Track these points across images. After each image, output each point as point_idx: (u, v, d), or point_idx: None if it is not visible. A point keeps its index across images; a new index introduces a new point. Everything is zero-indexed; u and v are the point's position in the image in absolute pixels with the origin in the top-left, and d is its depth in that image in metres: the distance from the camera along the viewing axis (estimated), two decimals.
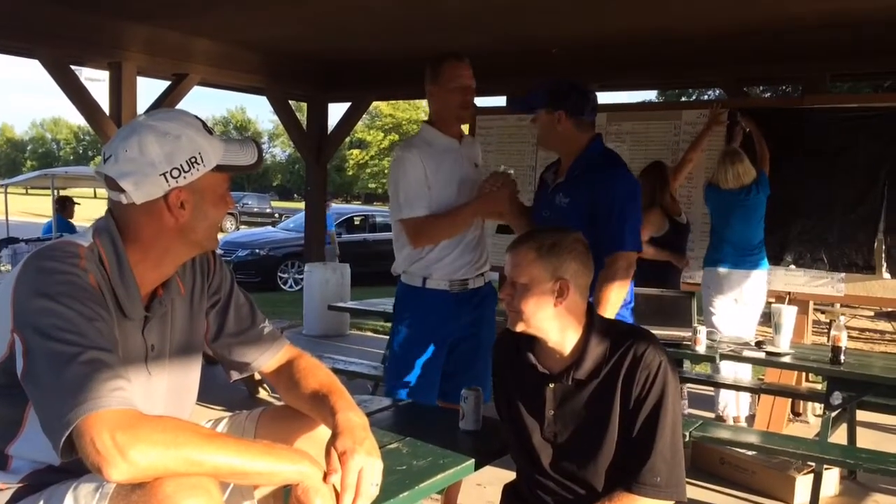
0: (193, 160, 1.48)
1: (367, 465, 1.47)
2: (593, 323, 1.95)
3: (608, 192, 2.71)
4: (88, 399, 1.25)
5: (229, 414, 1.85)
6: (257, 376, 1.95)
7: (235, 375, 1.81)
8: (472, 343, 3.11)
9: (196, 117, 1.56)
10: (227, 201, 1.59)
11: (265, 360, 1.78)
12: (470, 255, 3.05)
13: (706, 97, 16.79)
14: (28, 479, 1.48)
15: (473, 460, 2.07)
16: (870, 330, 9.68)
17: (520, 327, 1.93)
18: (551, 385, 1.96)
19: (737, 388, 4.80)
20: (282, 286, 12.61)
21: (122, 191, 1.46)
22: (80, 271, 1.41)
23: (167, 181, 1.46)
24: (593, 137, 2.85)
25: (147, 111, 1.62)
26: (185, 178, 1.47)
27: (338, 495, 1.45)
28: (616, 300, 2.66)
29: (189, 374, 1.70)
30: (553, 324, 1.91)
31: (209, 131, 1.54)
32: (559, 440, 1.96)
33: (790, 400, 5.11)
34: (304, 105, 8.47)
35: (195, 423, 1.39)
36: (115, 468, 1.22)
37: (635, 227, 2.75)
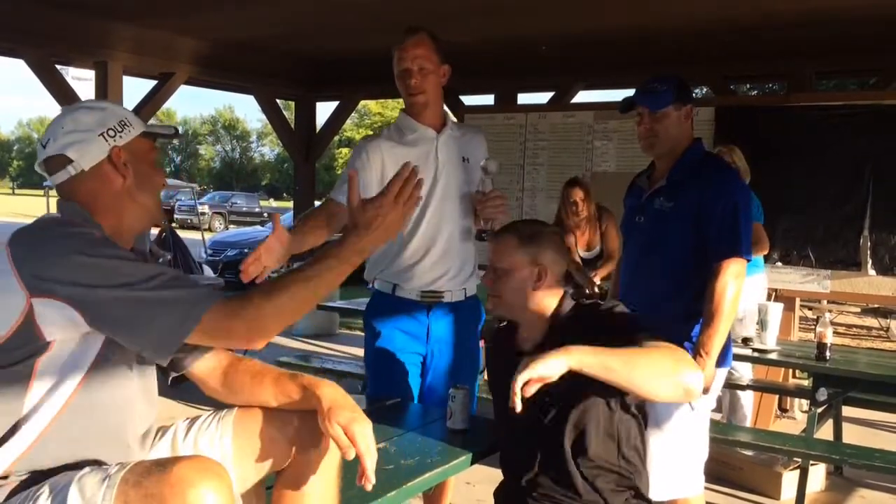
0: (123, 122, 1.62)
1: (368, 430, 1.59)
2: (562, 305, 2.07)
3: (720, 196, 2.54)
4: (188, 312, 1.44)
5: (209, 411, 1.82)
6: None
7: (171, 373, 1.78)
8: (444, 361, 2.76)
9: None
10: (161, 171, 1.73)
11: (194, 358, 1.74)
12: (446, 266, 2.70)
13: (693, 95, 16.85)
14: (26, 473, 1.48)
15: (469, 454, 2.10)
16: (857, 326, 9.74)
17: (499, 311, 2.11)
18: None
19: (729, 386, 4.81)
20: None
21: (69, 162, 1.57)
22: (83, 229, 1.51)
23: (106, 140, 1.59)
24: (696, 139, 2.71)
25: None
26: (120, 137, 1.60)
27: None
28: (731, 311, 2.50)
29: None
30: (530, 307, 2.06)
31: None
32: (527, 416, 2.00)
33: (777, 396, 5.15)
34: (293, 104, 8.46)
35: (271, 285, 1.52)
36: (259, 341, 1.48)
37: (748, 234, 2.58)
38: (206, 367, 1.76)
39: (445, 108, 2.82)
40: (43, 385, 1.47)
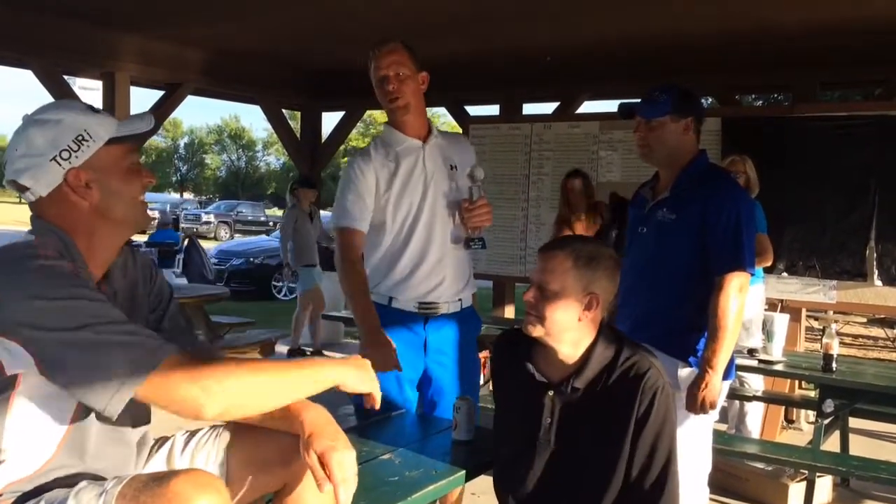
0: (80, 138, 1.48)
1: (346, 459, 1.50)
2: (601, 334, 1.94)
3: (723, 208, 2.53)
4: (145, 358, 1.33)
5: (207, 426, 1.81)
6: None
7: None
8: (444, 373, 2.73)
9: (80, 101, 1.58)
10: (140, 173, 1.57)
11: None
12: (441, 275, 2.68)
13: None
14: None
15: (464, 471, 2.07)
16: (863, 336, 9.70)
17: (537, 332, 1.89)
18: (550, 393, 1.95)
19: (734, 397, 4.79)
20: (276, 295, 12.58)
21: (26, 188, 1.48)
22: (58, 261, 1.40)
23: (59, 164, 1.46)
24: (700, 151, 2.68)
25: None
26: (76, 157, 1.47)
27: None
28: (736, 324, 2.49)
29: None
30: (571, 335, 1.90)
31: (95, 111, 1.54)
32: (554, 448, 1.95)
33: (783, 407, 5.12)
34: (298, 113, 8.48)
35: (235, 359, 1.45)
36: (207, 408, 1.34)
37: (751, 247, 2.58)
38: None
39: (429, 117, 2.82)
40: (28, 416, 1.41)
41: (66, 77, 5.96)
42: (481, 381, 5.26)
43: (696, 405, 2.49)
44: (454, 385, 2.71)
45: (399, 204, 2.64)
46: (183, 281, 9.51)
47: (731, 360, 2.66)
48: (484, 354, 5.01)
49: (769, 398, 4.81)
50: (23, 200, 1.57)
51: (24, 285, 1.35)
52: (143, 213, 1.59)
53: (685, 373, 2.55)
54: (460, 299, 2.73)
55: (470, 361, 2.80)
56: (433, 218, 2.66)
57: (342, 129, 8.14)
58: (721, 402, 2.69)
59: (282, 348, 7.17)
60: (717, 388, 2.49)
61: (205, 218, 28.66)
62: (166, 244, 10.12)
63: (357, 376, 1.59)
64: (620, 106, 2.78)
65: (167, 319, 1.75)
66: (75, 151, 1.47)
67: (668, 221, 2.62)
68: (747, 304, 2.67)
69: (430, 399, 2.75)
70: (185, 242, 9.59)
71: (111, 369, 1.32)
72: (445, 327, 2.70)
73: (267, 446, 1.65)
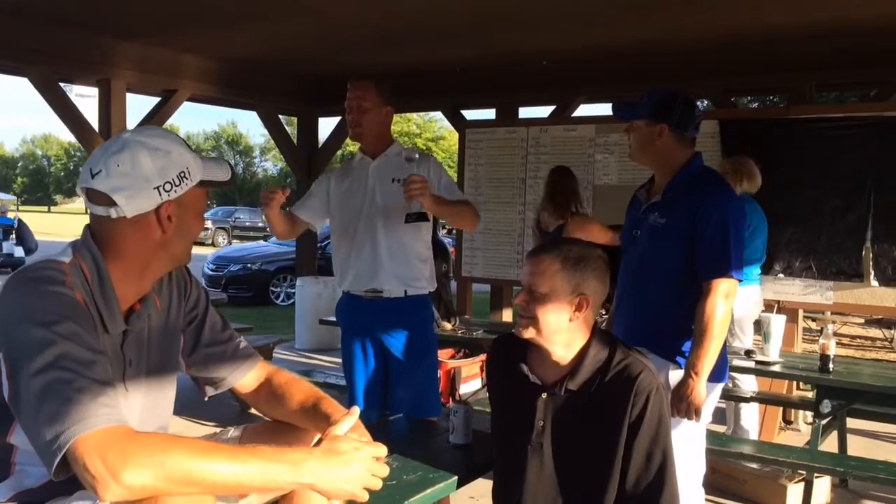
0: (183, 175, 1.52)
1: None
2: (594, 337, 1.95)
3: (712, 213, 2.51)
4: (77, 421, 1.24)
5: (217, 430, 1.84)
6: None
7: (210, 391, 1.81)
8: (404, 359, 3.22)
9: (178, 135, 1.60)
10: (203, 217, 1.65)
11: (240, 374, 1.78)
12: (379, 266, 3.15)
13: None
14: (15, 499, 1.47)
15: (471, 469, 2.09)
16: (861, 337, 9.72)
17: (529, 334, 1.92)
18: (543, 395, 1.96)
19: (730, 398, 4.80)
20: (274, 300, 12.59)
21: (114, 205, 1.47)
22: (67, 290, 1.41)
23: (160, 195, 1.49)
24: (694, 155, 2.67)
25: (134, 128, 1.64)
26: (175, 191, 1.51)
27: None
28: (721, 330, 2.48)
29: (165, 391, 1.69)
30: (563, 336, 1.92)
31: (191, 149, 1.59)
32: (548, 451, 1.96)
33: (781, 408, 5.13)
34: (295, 119, 8.49)
35: (191, 440, 1.34)
36: (108, 491, 1.22)
37: (740, 253, 2.55)
38: (250, 384, 1.78)
39: (399, 141, 3.36)
40: None
41: (61, 84, 5.96)
42: (479, 385, 5.28)
43: (682, 409, 2.49)
44: (406, 356, 3.22)
45: (343, 209, 3.23)
46: (19, 250, 13.45)
47: (725, 363, 2.66)
48: (482, 358, 5.02)
49: (767, 399, 4.81)
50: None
51: (21, 305, 1.37)
52: (190, 252, 1.65)
53: (676, 375, 2.56)
54: (405, 289, 3.20)
55: (420, 340, 3.25)
56: (372, 219, 3.16)
57: (339, 135, 8.14)
58: (713, 404, 2.69)
59: (280, 353, 7.16)
60: (702, 393, 2.48)
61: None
62: (6, 225, 14.07)
63: (335, 476, 1.42)
64: (612, 105, 2.83)
65: (206, 329, 1.77)
66: (176, 186, 1.51)
67: (659, 225, 2.63)
68: (737, 303, 2.67)
69: (392, 384, 3.28)
70: (17, 223, 13.80)
71: (43, 416, 1.26)
72: (388, 309, 3.19)
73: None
